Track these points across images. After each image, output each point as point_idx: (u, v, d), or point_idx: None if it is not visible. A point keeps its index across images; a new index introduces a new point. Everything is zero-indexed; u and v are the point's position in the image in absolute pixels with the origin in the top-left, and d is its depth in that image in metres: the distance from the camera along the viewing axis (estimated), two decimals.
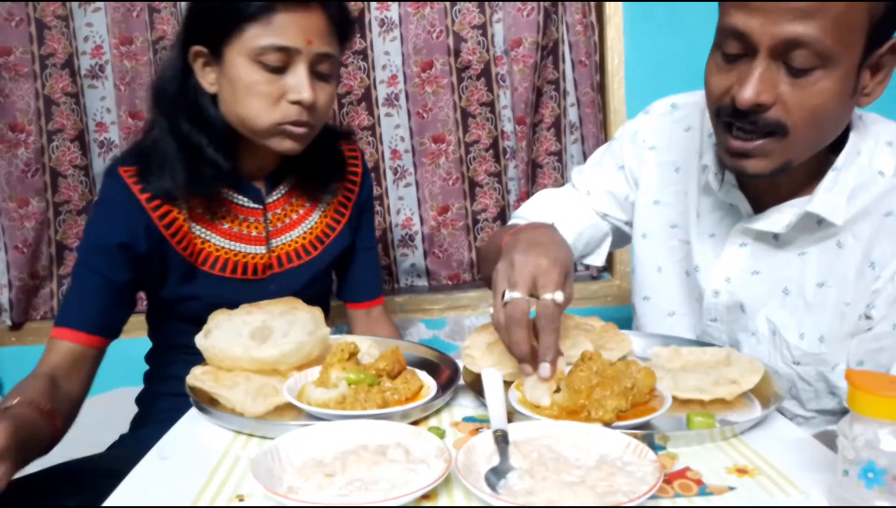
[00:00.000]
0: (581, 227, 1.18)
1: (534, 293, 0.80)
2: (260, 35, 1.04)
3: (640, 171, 1.16)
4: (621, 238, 1.24)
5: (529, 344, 0.79)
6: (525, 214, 1.23)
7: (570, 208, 1.19)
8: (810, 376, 1.00)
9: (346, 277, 1.36)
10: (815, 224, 0.96)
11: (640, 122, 1.18)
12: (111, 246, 1.08)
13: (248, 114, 1.07)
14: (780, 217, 0.97)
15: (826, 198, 0.93)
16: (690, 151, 1.11)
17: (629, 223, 1.20)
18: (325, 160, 1.24)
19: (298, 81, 1.06)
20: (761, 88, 0.83)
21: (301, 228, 1.23)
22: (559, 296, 0.79)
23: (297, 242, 1.22)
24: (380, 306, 1.38)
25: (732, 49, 0.86)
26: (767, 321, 1.02)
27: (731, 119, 0.88)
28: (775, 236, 0.99)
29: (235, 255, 1.16)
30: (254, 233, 1.18)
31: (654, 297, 1.16)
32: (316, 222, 1.25)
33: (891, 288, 0.93)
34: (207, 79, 1.11)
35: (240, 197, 1.18)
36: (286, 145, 1.10)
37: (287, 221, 1.22)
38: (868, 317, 0.95)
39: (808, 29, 0.79)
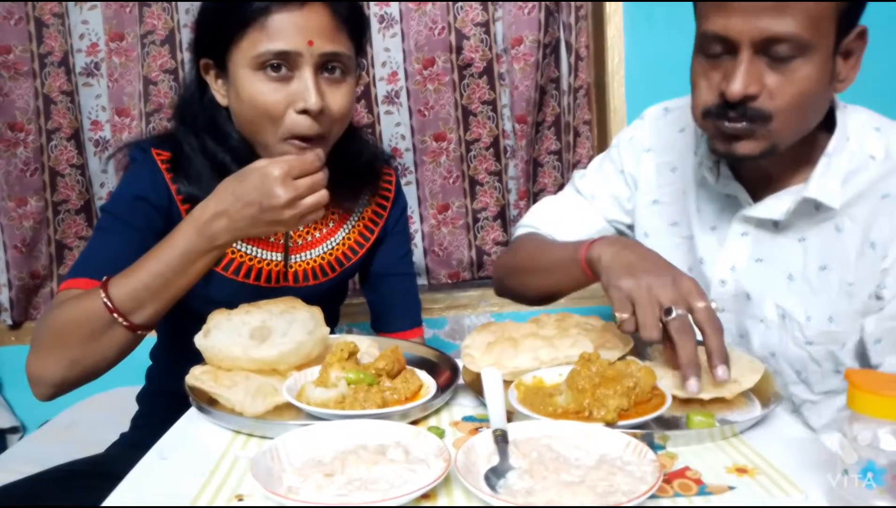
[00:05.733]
0: (589, 232, 1.19)
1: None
2: (257, 41, 0.98)
3: (639, 172, 1.19)
4: None
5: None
6: (533, 221, 1.25)
7: (576, 214, 1.22)
8: (821, 355, 1.01)
9: (376, 304, 1.29)
10: (812, 209, 0.99)
11: (635, 127, 1.23)
12: (140, 198, 1.04)
13: (254, 128, 1.02)
14: (778, 205, 1.01)
15: (822, 183, 0.97)
16: (685, 150, 1.14)
17: (631, 227, 1.22)
18: (357, 177, 1.18)
19: (303, 88, 0.98)
20: (749, 81, 0.89)
21: (322, 247, 1.17)
22: (713, 304, 0.85)
23: (315, 261, 1.16)
24: (416, 338, 1.27)
25: (715, 51, 0.92)
26: (776, 306, 1.03)
27: (720, 114, 0.93)
28: (775, 224, 1.03)
29: (251, 260, 1.11)
30: (272, 239, 1.13)
31: None
32: (338, 244, 1.18)
33: None
34: (220, 92, 1.06)
35: None
36: None
37: (309, 238, 1.16)
38: (879, 297, 0.97)
39: (784, 24, 0.86)
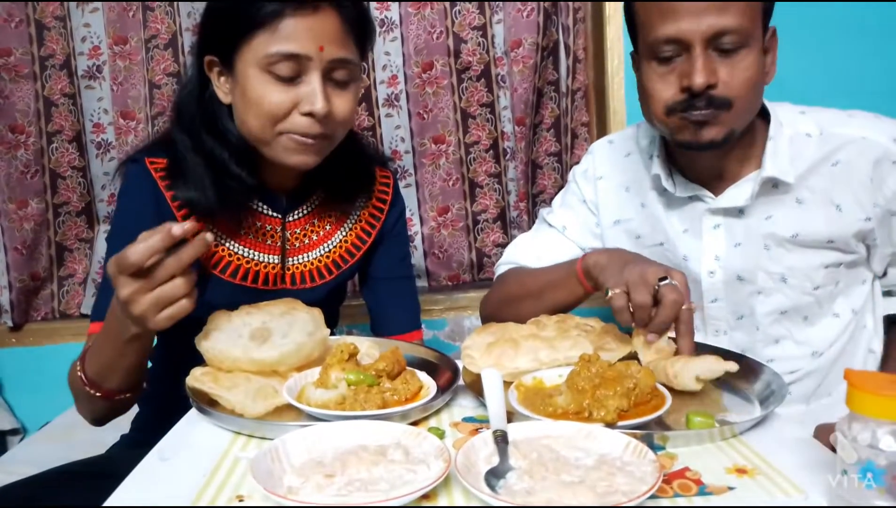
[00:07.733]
0: (567, 259, 1.29)
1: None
2: (268, 43, 0.97)
3: (597, 199, 1.30)
4: None
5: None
6: (513, 257, 1.34)
7: (553, 245, 1.32)
8: (825, 296, 1.12)
9: (375, 307, 1.29)
10: (771, 189, 1.10)
11: (586, 161, 1.34)
12: (137, 226, 0.99)
13: (254, 126, 1.01)
14: (739, 193, 1.12)
15: (774, 162, 1.08)
16: (635, 170, 1.25)
17: None
18: (354, 179, 1.18)
19: (311, 91, 0.98)
20: (708, 72, 0.99)
21: (319, 250, 1.17)
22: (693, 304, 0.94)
23: (312, 263, 1.16)
24: (415, 342, 1.24)
25: (666, 54, 1.02)
26: (769, 275, 1.12)
27: (685, 108, 1.02)
28: (740, 211, 1.13)
29: (248, 262, 1.11)
30: (269, 242, 1.13)
31: None
32: (335, 246, 1.18)
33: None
34: (223, 89, 1.06)
35: (260, 204, 1.12)
36: (297, 159, 1.03)
37: (307, 240, 1.16)
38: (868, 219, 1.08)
39: (727, 19, 0.98)
